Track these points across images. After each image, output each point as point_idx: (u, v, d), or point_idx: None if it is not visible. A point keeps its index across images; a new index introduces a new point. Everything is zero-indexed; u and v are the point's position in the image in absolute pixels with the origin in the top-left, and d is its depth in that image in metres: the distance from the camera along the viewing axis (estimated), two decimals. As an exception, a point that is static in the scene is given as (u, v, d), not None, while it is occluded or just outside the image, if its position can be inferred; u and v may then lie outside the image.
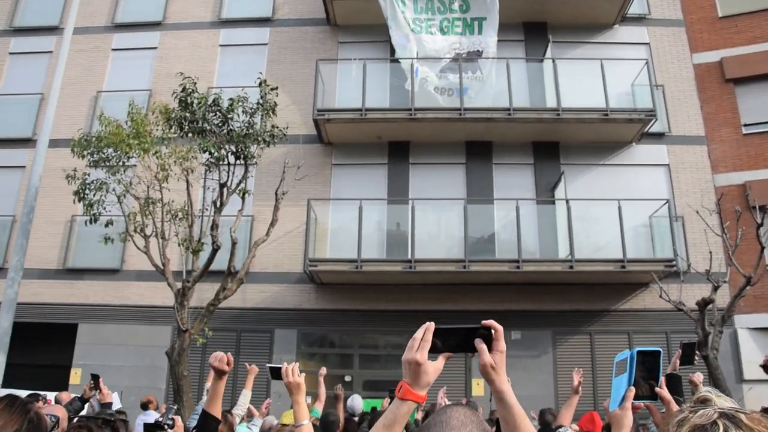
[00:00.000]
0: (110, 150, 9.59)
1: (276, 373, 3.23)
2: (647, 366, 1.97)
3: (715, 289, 9.76)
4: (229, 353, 3.12)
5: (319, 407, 6.25)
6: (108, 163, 9.65)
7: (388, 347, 12.94)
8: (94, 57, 14.91)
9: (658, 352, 1.95)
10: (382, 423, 1.52)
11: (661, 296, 10.46)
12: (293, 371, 2.96)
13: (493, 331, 1.53)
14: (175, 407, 9.04)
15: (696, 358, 4.32)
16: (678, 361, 4.27)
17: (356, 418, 7.93)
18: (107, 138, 9.46)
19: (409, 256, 11.77)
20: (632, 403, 1.97)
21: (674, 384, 4.14)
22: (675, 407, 2.00)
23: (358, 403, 8.58)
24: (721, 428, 1.17)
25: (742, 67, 14.05)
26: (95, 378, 6.75)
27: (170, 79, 13.37)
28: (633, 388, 1.92)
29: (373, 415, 6.53)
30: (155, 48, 14.83)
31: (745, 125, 13.84)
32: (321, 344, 12.99)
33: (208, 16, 15.05)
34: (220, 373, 3.09)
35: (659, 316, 12.11)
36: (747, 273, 9.65)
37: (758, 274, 9.75)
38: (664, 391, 2.04)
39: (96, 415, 2.46)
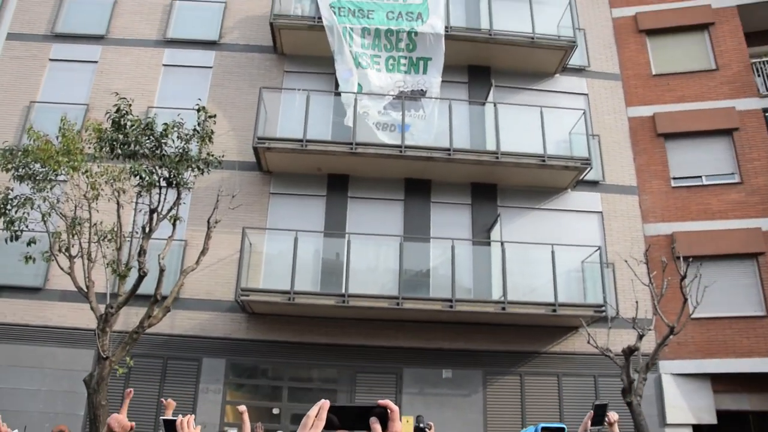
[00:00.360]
0: (37, 165, 9.20)
1: (171, 427, 3.09)
2: (598, 411, 1.99)
3: (640, 337, 10.04)
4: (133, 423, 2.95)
5: None
6: (35, 179, 9.24)
7: (318, 381, 12.72)
8: (30, 65, 14.40)
9: (563, 428, 1.97)
10: None
11: (588, 342, 10.67)
12: (189, 424, 2.85)
13: (388, 411, 1.50)
14: None
15: (606, 421, 4.40)
16: (589, 422, 4.34)
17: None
18: (35, 153, 9.08)
19: (343, 290, 11.67)
20: None
21: None
22: None
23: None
24: None
25: (672, 124, 14.75)
26: None
27: (109, 95, 13.02)
28: None
29: None
30: (96, 62, 14.44)
31: (674, 178, 14.47)
32: (250, 375, 12.65)
33: (153, 34, 14.81)
34: None
35: (588, 359, 12.32)
36: (671, 323, 9.97)
37: (681, 323, 10.10)
38: None
39: None
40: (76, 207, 9.36)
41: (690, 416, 12.57)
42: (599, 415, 4.42)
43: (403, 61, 13.85)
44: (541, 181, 13.60)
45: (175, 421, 2.93)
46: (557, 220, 13.63)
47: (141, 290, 8.95)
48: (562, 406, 12.31)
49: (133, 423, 7.27)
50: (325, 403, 1.50)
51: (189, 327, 12.25)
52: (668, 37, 15.85)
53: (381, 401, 1.52)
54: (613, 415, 4.45)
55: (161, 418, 5.44)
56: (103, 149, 9.08)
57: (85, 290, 9.08)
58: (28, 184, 9.26)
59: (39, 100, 14.01)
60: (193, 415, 2.94)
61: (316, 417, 1.47)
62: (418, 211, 13.41)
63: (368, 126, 13.17)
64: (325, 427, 1.49)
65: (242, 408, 6.29)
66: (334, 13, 13.66)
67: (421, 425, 6.37)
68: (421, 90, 13.64)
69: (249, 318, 12.39)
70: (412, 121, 13.34)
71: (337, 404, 1.48)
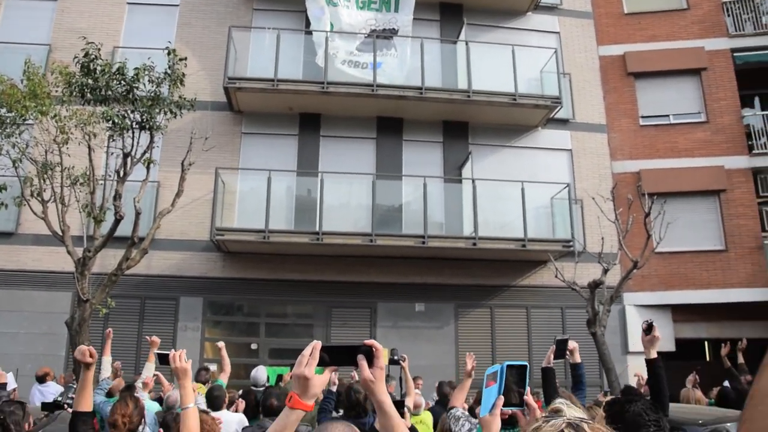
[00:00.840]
0: (3, 110, 9.04)
1: (163, 359, 3.32)
2: (516, 377, 2.15)
3: (605, 271, 10.40)
4: (90, 346, 3.12)
5: (224, 378, 6.27)
6: (2, 125, 9.09)
7: (294, 316, 13.02)
8: (-14, 5, 13.91)
9: (525, 366, 2.14)
10: (274, 429, 1.69)
11: (556, 276, 11.03)
12: (180, 357, 3.07)
13: (374, 349, 1.73)
14: (75, 386, 8.78)
15: (567, 354, 4.65)
16: (552, 356, 4.56)
17: (260, 389, 8.02)
18: (0, 98, 8.92)
19: (317, 228, 11.84)
20: (501, 410, 2.13)
21: (549, 376, 4.46)
22: (539, 414, 2.19)
23: (261, 374, 8.61)
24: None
25: (642, 63, 14.90)
26: None
27: (71, 35, 12.71)
28: (502, 397, 2.09)
29: (273, 391, 6.55)
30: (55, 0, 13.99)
31: (643, 117, 14.72)
32: (227, 312, 12.90)
33: (116, -30, 14.34)
34: (86, 366, 3.10)
35: (556, 292, 12.75)
36: (635, 257, 10.34)
37: (645, 258, 10.48)
38: (530, 399, 2.23)
39: None
40: (46, 152, 9.27)
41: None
42: (561, 349, 4.65)
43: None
44: (512, 119, 13.74)
45: (168, 354, 3.14)
46: (528, 158, 13.85)
47: (117, 233, 9.00)
48: (531, 337, 12.81)
49: (119, 362, 7.44)
50: (317, 343, 1.71)
51: (165, 267, 12.37)
52: (640, -25, 15.84)
53: (367, 341, 1.74)
54: (572, 343, 4.69)
55: (155, 352, 5.64)
56: (73, 94, 8.95)
57: (61, 234, 9.10)
58: None
59: (-1, 41, 13.59)
60: (184, 350, 3.15)
61: (310, 356, 1.69)
62: (390, 150, 13.50)
63: (336, 65, 13.08)
64: (318, 364, 1.69)
65: (221, 344, 6.50)
66: (304, -52, 13.36)
67: (395, 357, 6.64)
68: (393, 29, 13.52)
69: (224, 257, 12.55)
70: (384, 59, 13.28)
71: (328, 344, 1.70)
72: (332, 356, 1.72)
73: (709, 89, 14.80)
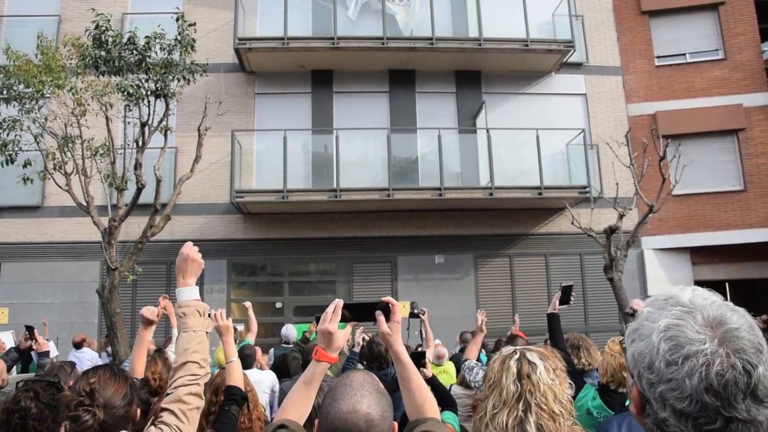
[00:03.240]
0: (21, 86, 9.13)
1: None
2: (565, 291, 4.03)
3: (621, 217, 10.43)
4: (167, 298, 3.37)
5: (251, 337, 6.51)
6: (20, 101, 9.20)
7: (316, 273, 13.29)
8: (-6, -22, 13.85)
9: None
10: (302, 380, 1.87)
11: (573, 223, 11.10)
12: (221, 315, 3.32)
13: (390, 305, 1.92)
14: (110, 351, 9.12)
15: (572, 298, 4.74)
16: (557, 302, 4.66)
17: (291, 345, 8.37)
18: (17, 74, 9.00)
19: (335, 186, 11.97)
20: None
21: (554, 322, 4.59)
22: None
23: (291, 331, 8.93)
24: (518, 353, 2.10)
25: (657, 0, 14.50)
26: (30, 330, 6.81)
27: (81, 4, 12.70)
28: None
29: (304, 348, 6.77)
30: (63, -31, 13.88)
31: (658, 57, 14.44)
32: (251, 273, 13.19)
33: (120, -66, 14.14)
34: (148, 323, 3.34)
35: (574, 239, 12.84)
36: (650, 201, 10.36)
37: (661, 201, 10.49)
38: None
39: (40, 378, 2.64)
40: (66, 125, 9.39)
41: (670, 287, 13.24)
42: (566, 294, 4.74)
43: None
44: (524, 66, 13.58)
45: (209, 314, 3.34)
46: (542, 104, 13.74)
47: (139, 200, 9.18)
48: (550, 284, 12.97)
49: (159, 308, 7.65)
50: (339, 302, 1.90)
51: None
52: None
53: (384, 298, 1.93)
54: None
55: None
56: (87, 68, 9.01)
57: (85, 205, 9.30)
58: (14, 106, 9.25)
59: (7, 14, 13.56)
60: (223, 309, 3.38)
61: (332, 313, 1.88)
62: (403, 102, 13.47)
63: (350, 19, 12.96)
64: (341, 321, 1.89)
65: (248, 304, 6.69)
66: None
67: (415, 311, 6.80)
68: None
69: (245, 218, 12.76)
70: (400, 9, 13.10)
71: (349, 302, 1.89)
72: (353, 313, 1.92)
73: (727, 24, 14.43)
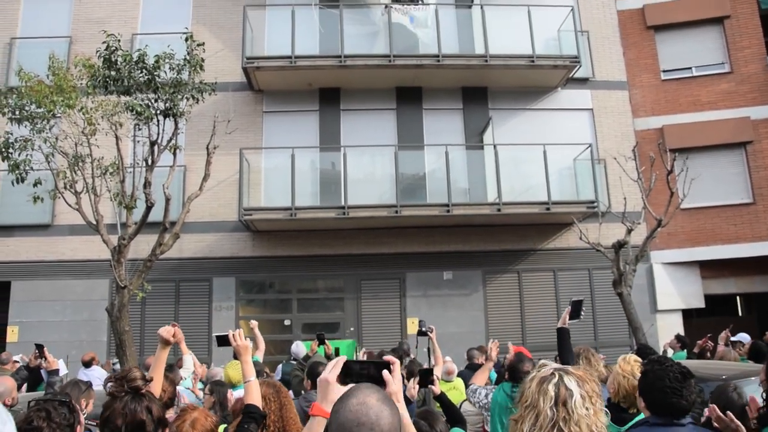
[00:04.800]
0: (33, 106, 9.25)
1: (223, 341, 3.62)
2: (575, 306, 4.26)
3: (629, 231, 10.39)
4: (176, 326, 3.39)
5: (259, 354, 6.54)
6: (31, 121, 9.31)
7: (324, 291, 13.28)
8: (5, 0, 14.07)
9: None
10: None
11: (581, 238, 11.06)
12: (240, 336, 3.35)
13: (391, 365, 1.84)
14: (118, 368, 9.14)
15: (582, 313, 4.72)
16: (567, 317, 4.64)
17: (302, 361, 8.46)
18: (29, 95, 9.12)
19: (342, 203, 12.00)
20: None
21: (564, 337, 4.58)
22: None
23: (301, 348, 8.97)
24: (557, 376, 2.06)
25: (661, 15, 14.57)
26: (40, 348, 6.82)
27: (91, 26, 12.89)
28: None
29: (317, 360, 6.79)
30: (73, -9, 14.09)
31: (664, 71, 14.47)
32: (259, 290, 13.21)
33: (129, -43, 14.37)
34: (165, 343, 3.37)
35: (582, 254, 12.78)
36: (659, 215, 10.33)
37: (669, 215, 10.44)
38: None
39: (52, 397, 2.66)
40: (76, 144, 9.47)
41: (679, 302, 13.22)
42: (576, 309, 4.73)
43: None
44: (531, 81, 13.63)
45: (227, 335, 3.43)
46: (548, 119, 13.76)
47: (148, 218, 9.23)
48: (559, 299, 12.91)
49: (177, 329, 7.67)
50: (342, 357, 1.86)
51: (197, 249, 12.67)
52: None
53: (387, 358, 1.86)
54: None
55: (214, 335, 5.92)
56: (97, 88, 9.12)
57: (95, 223, 9.34)
58: (26, 126, 9.35)
59: (20, 36, 13.77)
60: (241, 330, 3.41)
61: (334, 365, 1.83)
62: (410, 119, 13.54)
63: (356, 36, 13.09)
64: (343, 380, 1.82)
65: (253, 323, 6.71)
66: None
67: (423, 329, 6.78)
68: None
69: (254, 236, 12.81)
70: (416, 13, 13.22)
71: (352, 360, 1.84)
72: (355, 374, 1.83)
73: (733, 38, 14.45)
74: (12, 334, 12.20)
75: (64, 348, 11.17)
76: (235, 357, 8.74)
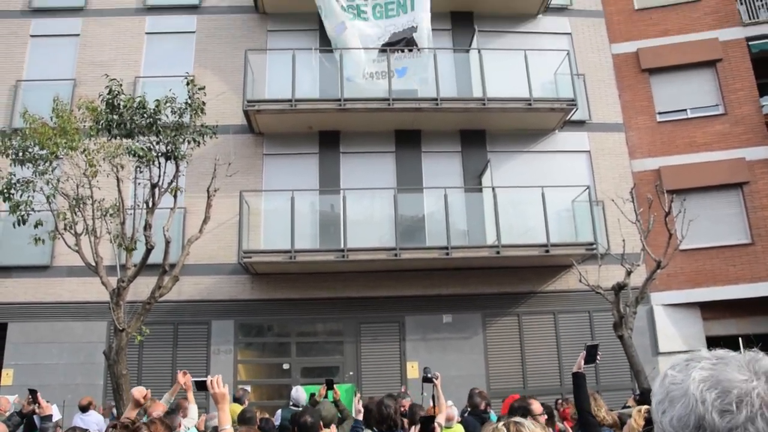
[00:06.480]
0: (36, 148, 9.31)
1: (201, 386, 3.50)
2: (590, 351, 4.36)
3: (628, 273, 10.39)
4: (148, 390, 3.32)
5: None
6: (34, 163, 9.37)
7: (323, 334, 13.17)
8: (12, 44, 14.23)
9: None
10: None
11: (580, 280, 11.05)
12: (218, 383, 3.22)
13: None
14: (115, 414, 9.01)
15: (599, 358, 4.72)
16: (582, 361, 4.62)
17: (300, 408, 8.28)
18: (32, 136, 9.20)
19: (342, 245, 11.99)
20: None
21: (579, 382, 4.54)
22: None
23: (301, 394, 8.80)
24: (511, 426, 2.16)
25: (655, 58, 14.84)
26: (33, 393, 6.72)
27: (95, 68, 13.03)
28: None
29: (308, 409, 6.71)
30: (78, 35, 14.29)
31: (659, 113, 14.67)
32: (258, 333, 13.10)
33: (132, 2, 14.61)
34: (136, 404, 3.30)
35: (582, 296, 12.73)
36: (658, 257, 10.34)
37: (668, 256, 10.46)
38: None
39: None
40: (77, 186, 9.52)
41: (681, 344, 13.13)
42: (591, 354, 4.71)
43: (390, 6, 13.63)
44: (528, 124, 13.78)
45: (205, 381, 3.31)
46: (546, 162, 13.86)
47: (148, 260, 9.23)
48: (560, 342, 12.82)
49: (148, 391, 7.60)
50: None
51: (196, 292, 12.60)
52: (648, -29, 15.78)
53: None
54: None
55: (192, 380, 5.79)
56: (100, 132, 9.22)
57: (94, 265, 9.32)
58: (28, 168, 9.40)
59: (25, 79, 13.93)
60: (220, 375, 3.32)
61: None
62: (409, 162, 13.63)
63: (360, 80, 13.23)
64: None
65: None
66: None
67: (429, 375, 6.71)
68: (412, 27, 13.42)
69: (253, 279, 12.76)
70: (408, 62, 13.36)
71: None
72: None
73: (726, 80, 14.69)
74: (6, 377, 12.03)
75: (60, 391, 11.01)
76: (235, 399, 8.63)
